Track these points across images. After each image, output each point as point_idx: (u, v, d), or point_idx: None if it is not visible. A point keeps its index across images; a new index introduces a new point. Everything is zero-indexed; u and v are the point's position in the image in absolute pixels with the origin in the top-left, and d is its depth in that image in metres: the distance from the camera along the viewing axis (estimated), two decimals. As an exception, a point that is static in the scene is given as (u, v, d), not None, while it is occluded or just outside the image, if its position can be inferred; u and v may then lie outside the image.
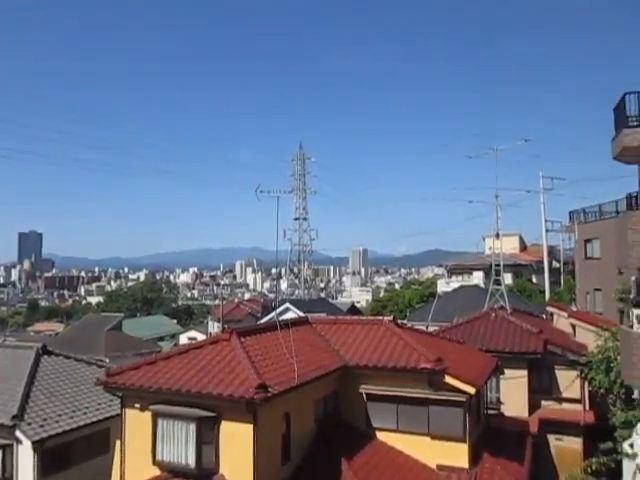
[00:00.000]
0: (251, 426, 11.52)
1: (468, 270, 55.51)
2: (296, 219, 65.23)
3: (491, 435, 16.84)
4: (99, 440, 16.76)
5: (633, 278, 16.81)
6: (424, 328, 25.27)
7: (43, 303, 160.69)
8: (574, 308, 31.85)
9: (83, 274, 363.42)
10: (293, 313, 32.09)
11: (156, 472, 12.44)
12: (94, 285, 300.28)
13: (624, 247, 14.80)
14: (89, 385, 17.80)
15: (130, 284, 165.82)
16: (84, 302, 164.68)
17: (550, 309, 31.88)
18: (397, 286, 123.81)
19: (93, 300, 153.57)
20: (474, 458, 14.71)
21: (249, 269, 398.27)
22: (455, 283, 51.22)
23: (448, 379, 14.14)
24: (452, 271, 58.66)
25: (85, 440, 16.54)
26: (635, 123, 14.76)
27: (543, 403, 21.63)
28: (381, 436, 15.00)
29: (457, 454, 14.31)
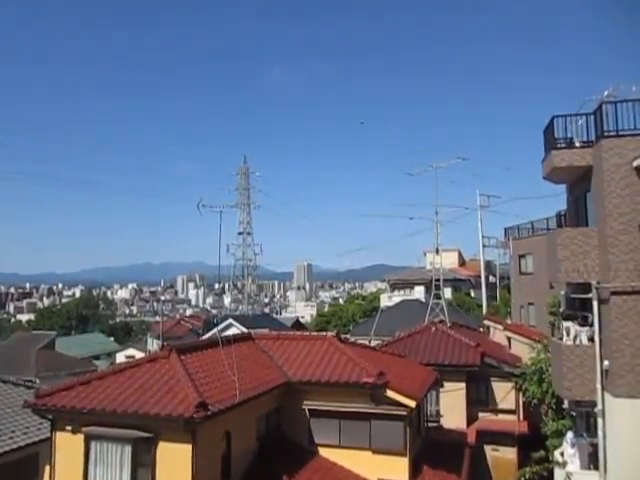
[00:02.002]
0: (190, 446, 11.23)
1: (410, 285, 56.65)
2: (240, 233, 64.70)
3: (431, 447, 17.16)
4: (27, 466, 15.85)
5: (562, 292, 17.70)
6: (367, 342, 25.53)
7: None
8: (509, 321, 33.02)
9: (12, 290, 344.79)
10: (236, 329, 31.72)
11: (88, 498, 11.89)
12: (25, 302, 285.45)
13: (554, 262, 15.56)
14: (16, 408, 16.86)
15: (65, 300, 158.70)
16: (13, 320, 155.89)
17: (487, 322, 32.96)
18: (341, 301, 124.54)
19: (23, 318, 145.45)
20: (414, 471, 14.92)
21: (191, 284, 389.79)
22: (397, 297, 52.11)
23: (389, 393, 14.33)
24: (394, 286, 59.67)
25: (11, 466, 15.59)
26: (563, 145, 15.66)
27: (480, 415, 22.23)
28: (323, 452, 14.97)
29: (398, 468, 14.47)
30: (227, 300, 69.83)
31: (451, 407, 21.22)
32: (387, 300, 53.85)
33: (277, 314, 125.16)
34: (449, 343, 23.27)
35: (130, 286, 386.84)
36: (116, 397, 12.16)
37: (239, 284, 66.91)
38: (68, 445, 12.30)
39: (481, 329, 32.33)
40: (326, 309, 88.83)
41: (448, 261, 50.92)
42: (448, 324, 26.78)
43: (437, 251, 32.21)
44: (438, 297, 30.89)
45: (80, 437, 12.16)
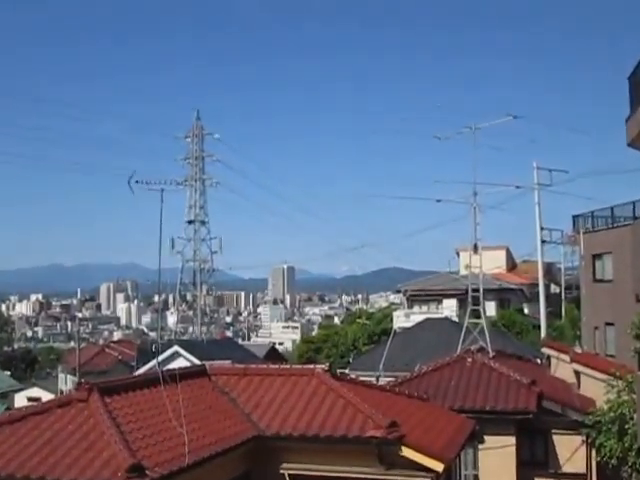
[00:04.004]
0: (120, 528, 11.29)
1: (436, 297, 56.99)
2: (190, 222, 64.53)
3: (465, 529, 17.31)
4: None
5: (654, 308, 17.82)
6: (373, 380, 25.67)
7: None
8: (579, 349, 33.25)
9: None
10: (185, 360, 31.86)
11: None
12: None
13: (642, 265, 15.69)
14: None
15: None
16: None
17: (547, 350, 33.18)
18: (337, 320, 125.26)
19: None
20: None
21: (120, 296, 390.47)
22: (418, 315, 52.45)
23: (406, 452, 14.41)
24: (414, 298, 59.96)
25: None
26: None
27: (537, 481, 22.47)
28: (311, 536, 15.09)
29: None
30: (172, 319, 69.93)
31: (495, 470, 21.39)
32: (403, 319, 54.19)
33: (244, 339, 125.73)
34: (492, 380, 23.43)
35: (33, 298, 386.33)
36: (14, 456, 12.16)
37: (189, 296, 66.93)
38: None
39: (538, 360, 32.57)
40: (315, 332, 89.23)
41: (492, 264, 51.08)
42: (491, 353, 26.96)
43: (475, 249, 32.29)
44: (477, 315, 31.07)
45: (-39, 515, 12.20)
